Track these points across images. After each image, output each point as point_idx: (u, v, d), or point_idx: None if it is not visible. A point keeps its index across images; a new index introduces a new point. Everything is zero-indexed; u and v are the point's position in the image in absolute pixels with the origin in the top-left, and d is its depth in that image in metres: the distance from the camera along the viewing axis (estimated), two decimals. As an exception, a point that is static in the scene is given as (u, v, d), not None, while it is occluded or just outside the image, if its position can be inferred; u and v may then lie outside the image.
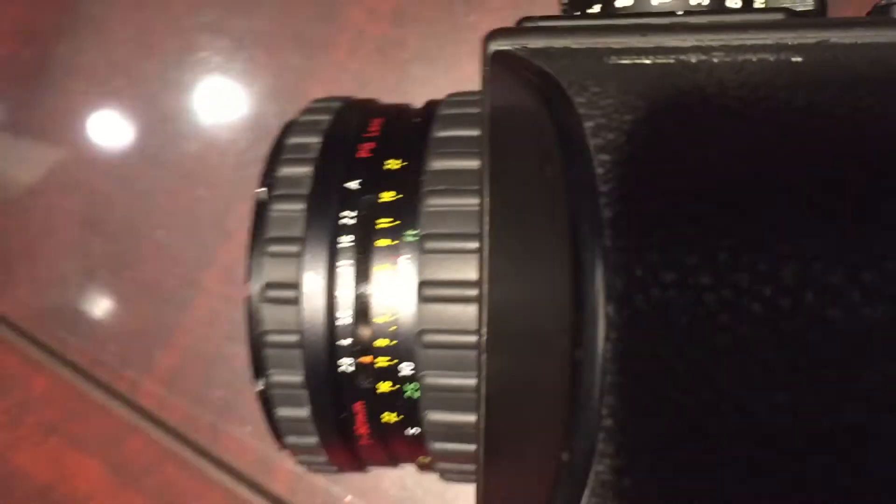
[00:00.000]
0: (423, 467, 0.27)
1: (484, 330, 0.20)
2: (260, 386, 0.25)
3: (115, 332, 0.42)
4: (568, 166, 0.15)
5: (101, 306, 0.42)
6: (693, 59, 0.17)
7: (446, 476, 0.27)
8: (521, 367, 0.18)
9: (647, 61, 0.17)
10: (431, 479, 0.38)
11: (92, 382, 0.42)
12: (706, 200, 0.14)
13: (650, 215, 0.14)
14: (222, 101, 0.42)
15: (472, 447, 0.25)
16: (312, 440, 0.26)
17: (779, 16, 0.21)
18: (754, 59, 0.17)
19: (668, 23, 0.20)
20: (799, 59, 0.17)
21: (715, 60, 0.17)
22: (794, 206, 0.13)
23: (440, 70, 0.40)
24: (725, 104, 0.15)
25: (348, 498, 0.39)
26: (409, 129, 0.26)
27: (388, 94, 0.40)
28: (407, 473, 0.38)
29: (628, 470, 0.14)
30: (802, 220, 0.13)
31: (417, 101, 0.40)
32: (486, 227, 0.20)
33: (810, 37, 0.17)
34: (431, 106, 0.27)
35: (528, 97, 0.17)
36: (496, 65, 0.20)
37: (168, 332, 0.41)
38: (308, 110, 0.28)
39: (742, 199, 0.14)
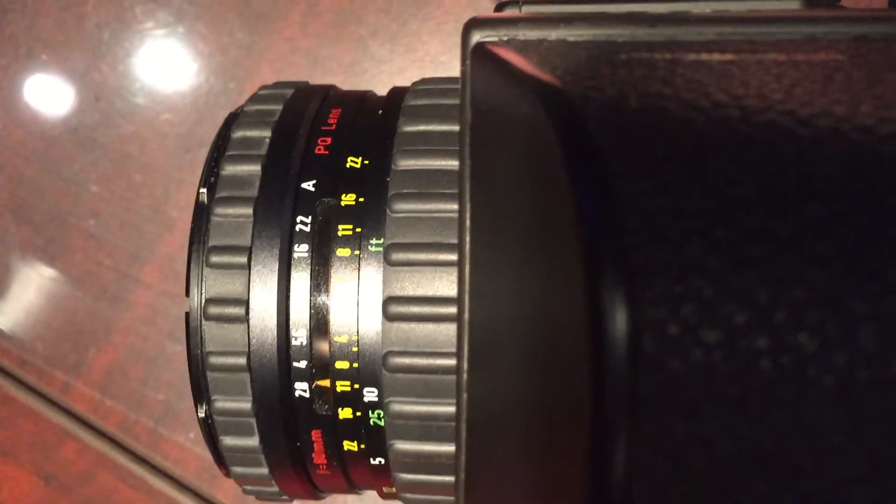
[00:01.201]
0: (388, 496, 0.25)
1: (465, 352, 0.17)
2: (202, 413, 0.22)
3: (44, 330, 0.38)
4: (581, 190, 0.12)
5: (27, 302, 0.39)
6: (717, 57, 0.14)
7: (412, 506, 0.24)
8: (516, 399, 0.15)
9: (665, 57, 0.15)
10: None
11: (19, 385, 0.39)
12: (757, 240, 0.11)
13: (687, 256, 0.11)
14: (161, 79, 0.38)
15: (442, 478, 0.22)
16: (262, 471, 0.23)
17: (804, 5, 0.18)
18: (791, 59, 0.14)
19: (676, 10, 0.17)
20: (842, 58, 0.14)
21: (747, 60, 0.14)
22: (876, 249, 0.11)
23: (401, 48, 0.36)
24: (771, 122, 0.12)
25: (301, 510, 0.36)
26: (372, 122, 0.23)
27: (344, 74, 0.37)
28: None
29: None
30: (887, 266, 0.11)
31: (376, 83, 0.37)
32: (468, 226, 0.17)
33: (846, 31, 0.15)
34: (396, 95, 0.24)
35: (523, 104, 0.14)
36: (478, 59, 0.17)
37: (103, 331, 0.38)
38: (256, 98, 0.25)
39: (803, 243, 0.11)
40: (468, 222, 0.17)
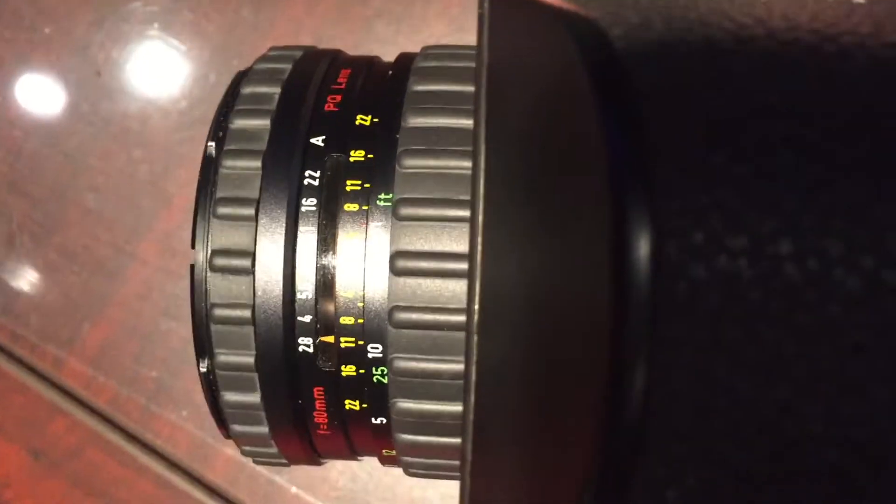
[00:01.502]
0: (387, 460, 0.24)
1: (476, 307, 0.17)
2: (203, 367, 0.22)
3: (38, 304, 0.38)
4: (607, 110, 0.12)
5: (22, 276, 0.39)
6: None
7: (411, 471, 0.24)
8: (526, 353, 0.15)
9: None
10: (384, 472, 0.35)
11: (11, 359, 0.39)
12: (784, 150, 0.11)
13: (712, 168, 0.11)
14: (164, 56, 0.38)
15: (444, 440, 0.22)
16: (262, 429, 0.23)
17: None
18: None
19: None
20: (861, 1, 0.14)
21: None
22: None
23: (406, 29, 0.37)
24: (796, 39, 0.12)
25: (293, 490, 0.36)
26: (382, 83, 0.23)
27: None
28: (358, 464, 0.35)
29: (678, 480, 0.11)
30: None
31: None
32: (481, 181, 0.17)
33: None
34: (405, 59, 0.24)
35: (546, 35, 0.14)
36: (496, 2, 0.17)
37: (97, 306, 0.38)
38: (265, 58, 0.25)
39: (830, 151, 0.11)
40: (482, 164, 0.17)
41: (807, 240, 0.11)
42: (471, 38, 0.38)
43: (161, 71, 0.38)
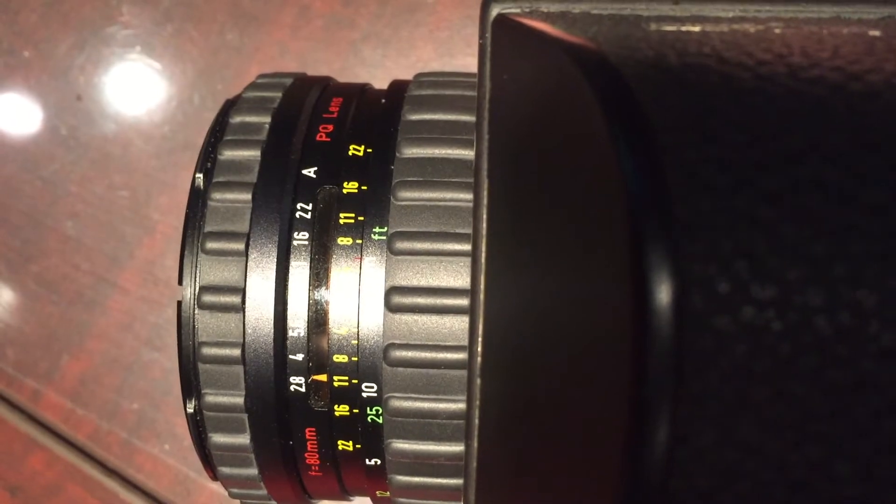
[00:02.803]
0: (381, 502, 0.24)
1: (478, 348, 0.16)
2: (190, 408, 0.21)
3: (16, 335, 0.37)
4: (622, 147, 0.11)
5: (-1, 306, 0.37)
6: (751, 29, 0.14)
7: (406, 512, 0.23)
8: (533, 401, 0.15)
9: (695, 28, 0.14)
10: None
11: (-14, 392, 0.37)
12: (811, 194, 0.11)
13: (736, 212, 0.11)
14: (146, 80, 0.38)
15: (441, 481, 0.22)
16: (251, 472, 0.22)
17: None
18: (825, 32, 0.14)
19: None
20: (877, 34, 0.14)
21: (777, 31, 0.14)
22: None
23: (393, 53, 0.36)
24: (820, 77, 0.12)
25: (280, 525, 0.35)
26: (375, 111, 0.23)
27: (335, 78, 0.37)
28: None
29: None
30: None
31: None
32: (484, 216, 0.17)
33: (874, 11, 0.15)
34: (399, 86, 0.24)
35: (553, 66, 0.14)
36: (499, 30, 0.16)
37: (77, 337, 0.37)
38: (254, 86, 0.24)
39: (860, 195, 0.10)
40: (485, 197, 0.16)
41: (838, 291, 0.10)
42: (459, 63, 0.37)
43: (142, 95, 0.38)
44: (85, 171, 0.37)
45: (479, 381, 0.16)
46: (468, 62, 0.35)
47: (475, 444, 0.17)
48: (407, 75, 0.36)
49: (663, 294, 0.11)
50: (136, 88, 0.38)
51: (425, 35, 0.36)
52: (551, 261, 0.15)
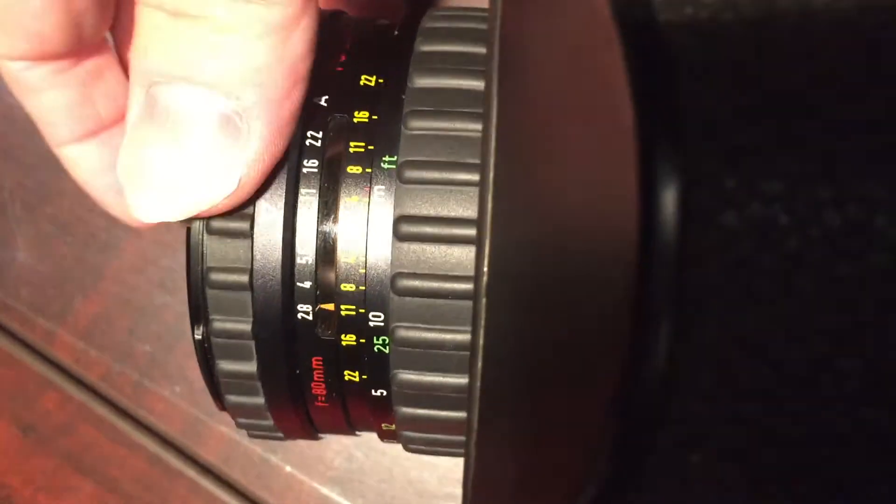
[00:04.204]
0: (386, 435, 0.24)
1: (484, 270, 0.16)
2: (198, 334, 0.22)
3: (29, 275, 0.37)
4: (633, 46, 0.11)
5: (13, 246, 0.38)
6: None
7: (411, 446, 0.24)
8: (537, 319, 0.15)
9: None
10: (380, 452, 0.35)
11: (1, 332, 0.38)
12: (823, 91, 0.11)
13: (745, 108, 0.11)
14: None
15: (447, 414, 0.22)
16: (258, 400, 0.22)
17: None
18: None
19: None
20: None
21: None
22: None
23: None
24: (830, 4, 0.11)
25: (288, 469, 0.35)
26: (387, 43, 0.23)
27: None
28: (355, 443, 0.35)
29: (703, 442, 0.11)
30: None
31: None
32: (492, 141, 0.16)
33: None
34: (411, 19, 0.24)
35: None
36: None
37: (90, 278, 0.37)
38: (267, 17, 0.24)
39: (874, 93, 0.10)
40: (494, 114, 0.16)
41: (847, 183, 0.10)
42: (476, 2, 0.37)
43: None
44: (100, 114, 0.37)
45: (484, 301, 0.16)
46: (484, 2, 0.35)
47: (479, 366, 0.17)
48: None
49: (669, 191, 0.11)
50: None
51: (443, -18, 0.35)
52: (558, 179, 0.14)
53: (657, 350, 0.11)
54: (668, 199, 0.11)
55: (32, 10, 0.20)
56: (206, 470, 0.36)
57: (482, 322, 0.17)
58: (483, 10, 0.24)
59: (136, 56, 0.20)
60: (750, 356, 0.10)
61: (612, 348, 0.12)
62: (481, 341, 0.17)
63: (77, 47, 0.22)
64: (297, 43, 0.19)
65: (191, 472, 0.36)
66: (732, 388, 0.11)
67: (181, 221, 0.21)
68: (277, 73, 0.19)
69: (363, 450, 0.35)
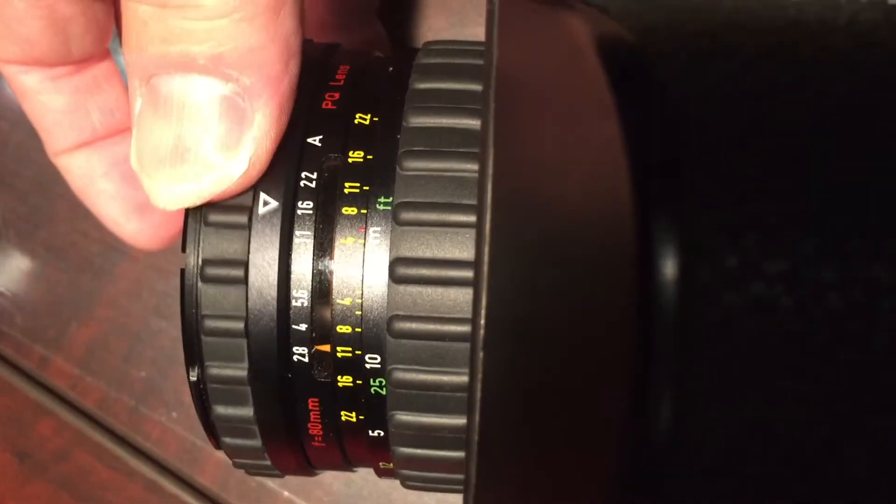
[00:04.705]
0: (384, 473, 0.24)
1: (482, 321, 0.16)
2: (193, 376, 0.21)
3: (24, 301, 0.37)
4: (629, 107, 0.11)
5: (7, 272, 0.37)
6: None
7: (409, 484, 0.23)
8: (534, 367, 0.14)
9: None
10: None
11: (-5, 358, 0.38)
12: (827, 163, 0.10)
13: (747, 180, 0.10)
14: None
15: (445, 454, 0.21)
16: (255, 443, 0.22)
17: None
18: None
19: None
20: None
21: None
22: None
23: (404, 22, 0.36)
24: (832, 45, 0.11)
25: (286, 494, 0.35)
26: (382, 80, 0.22)
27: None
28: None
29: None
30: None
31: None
32: (489, 186, 0.16)
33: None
34: (406, 54, 0.23)
35: (565, 35, 0.13)
36: (507, -4, 0.16)
37: (85, 304, 0.37)
38: (260, 51, 0.24)
39: (879, 165, 0.10)
40: (490, 166, 0.16)
41: (852, 265, 0.10)
42: (470, 32, 0.37)
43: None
44: (93, 138, 0.37)
45: (481, 353, 0.16)
46: (480, 32, 0.34)
47: (477, 417, 0.17)
48: (417, 45, 0.36)
49: (669, 266, 0.11)
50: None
51: (437, 4, 0.35)
52: (556, 229, 0.14)
53: (658, 426, 0.11)
54: (669, 274, 0.11)
55: (17, 14, 0.21)
56: (204, 495, 0.36)
57: (479, 375, 0.16)
58: (479, 43, 0.23)
59: (130, 53, 0.20)
60: (752, 437, 0.10)
61: (611, 422, 0.12)
62: (479, 395, 0.17)
63: (67, 54, 0.23)
64: (287, 19, 0.19)
65: (188, 498, 0.36)
66: (737, 472, 0.10)
67: (195, 218, 0.21)
68: (272, 52, 0.19)
69: (361, 473, 0.35)
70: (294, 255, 0.21)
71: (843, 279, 0.10)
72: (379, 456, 0.22)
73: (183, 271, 0.21)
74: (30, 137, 0.37)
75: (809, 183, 0.10)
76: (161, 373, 0.36)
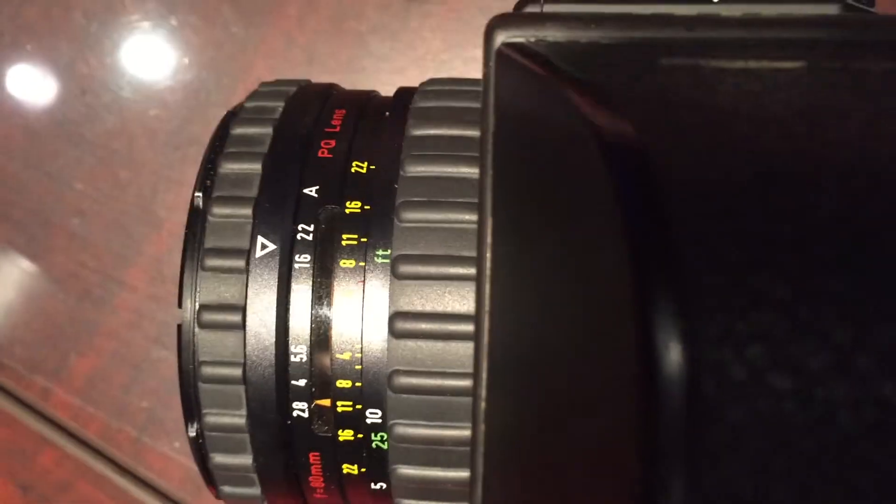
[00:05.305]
0: (387, 522, 0.23)
1: (483, 375, 0.16)
2: (192, 431, 0.21)
3: (23, 333, 0.37)
4: (631, 210, 0.11)
5: (6, 304, 0.37)
6: (767, 65, 0.13)
7: (413, 532, 0.23)
8: (536, 427, 0.14)
9: (711, 63, 0.13)
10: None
11: (-4, 390, 0.37)
12: (836, 273, 0.10)
13: (753, 289, 0.10)
14: (150, 73, 0.37)
15: (448, 506, 0.21)
16: (254, 491, 0.22)
17: (842, 10, 0.17)
18: (847, 67, 0.13)
19: (708, 13, 0.16)
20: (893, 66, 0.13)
21: (800, 69, 0.13)
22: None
23: (402, 46, 0.35)
24: (848, 140, 0.11)
25: (290, 525, 0.34)
26: (378, 125, 0.22)
27: (343, 72, 0.36)
28: None
29: None
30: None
31: (375, 81, 0.35)
32: (487, 255, 0.16)
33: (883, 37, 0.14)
34: (403, 96, 0.23)
35: (557, 110, 0.13)
36: (503, 61, 0.16)
37: (85, 335, 0.37)
38: (256, 95, 0.23)
39: (891, 271, 0.10)
40: (489, 237, 0.16)
41: (865, 383, 0.09)
42: (469, 54, 0.36)
43: (147, 89, 0.37)
44: (90, 168, 0.37)
45: (483, 405, 0.16)
46: (477, 54, 0.34)
47: (480, 476, 0.16)
48: (416, 68, 0.36)
49: (673, 375, 0.10)
50: (140, 82, 0.37)
51: (434, 26, 0.35)
52: (556, 311, 0.14)
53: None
54: (673, 386, 0.10)
55: None
56: (208, 525, 0.36)
57: (481, 436, 0.16)
58: (477, 82, 0.23)
59: None
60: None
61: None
62: (481, 449, 0.16)
63: None
64: None
65: (192, 528, 0.36)
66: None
67: None
68: None
69: None
70: (292, 309, 0.20)
71: (854, 398, 0.10)
72: (382, 506, 0.22)
73: (180, 326, 0.21)
74: (25, 167, 0.37)
75: (818, 293, 0.10)
76: (163, 403, 0.36)
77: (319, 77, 0.28)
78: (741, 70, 0.13)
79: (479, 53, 0.36)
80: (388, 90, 0.25)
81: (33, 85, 0.37)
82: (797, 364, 0.10)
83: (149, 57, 0.37)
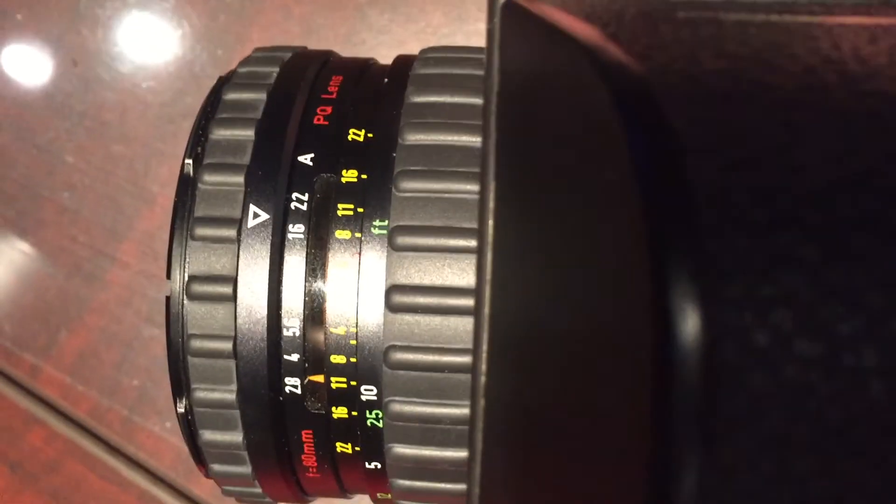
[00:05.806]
0: (381, 503, 0.23)
1: (484, 347, 0.15)
2: (181, 408, 0.20)
3: (12, 309, 0.36)
4: (644, 166, 0.10)
5: (-5, 279, 0.36)
6: (791, 19, 0.12)
7: (408, 513, 0.22)
8: (538, 404, 0.14)
9: (731, 17, 0.13)
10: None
11: (-16, 367, 0.37)
12: (867, 232, 0.09)
13: (777, 249, 0.09)
14: (143, 44, 0.36)
15: (444, 486, 0.20)
16: (245, 469, 0.21)
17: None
18: (879, 24, 0.12)
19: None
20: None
21: (828, 23, 0.12)
22: None
23: (401, 18, 0.34)
24: (880, 90, 0.10)
25: (282, 506, 0.34)
26: (377, 92, 0.21)
27: (341, 45, 0.35)
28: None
29: None
30: None
31: (375, 54, 0.35)
32: (490, 221, 0.15)
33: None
34: (403, 63, 0.22)
35: (567, 66, 0.12)
36: (509, 16, 0.15)
37: (75, 311, 0.36)
38: (250, 60, 0.22)
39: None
40: (491, 202, 0.15)
41: (897, 350, 0.09)
42: (470, 28, 0.35)
43: (140, 61, 0.36)
44: (81, 141, 0.36)
45: (483, 379, 0.15)
46: (480, 28, 0.33)
47: (479, 453, 0.16)
48: (415, 41, 0.35)
49: (691, 342, 0.10)
50: (134, 54, 0.36)
51: (435, -1, 0.34)
52: (563, 278, 0.13)
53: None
54: (691, 352, 0.10)
55: None
56: (199, 506, 0.35)
57: (481, 412, 0.15)
58: (479, 49, 0.22)
59: None
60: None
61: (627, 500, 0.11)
62: (480, 429, 0.16)
63: None
64: None
65: (183, 509, 0.35)
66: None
67: None
68: None
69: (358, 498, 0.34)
70: (285, 281, 0.19)
71: (886, 365, 0.09)
72: (376, 486, 0.22)
73: (168, 298, 0.20)
74: (15, 140, 0.36)
75: (848, 254, 0.09)
76: (154, 381, 0.35)
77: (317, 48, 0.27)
78: (763, 23, 0.12)
79: (481, 27, 0.35)
80: (388, 62, 0.24)
81: (23, 55, 0.37)
82: (825, 329, 0.09)
83: (142, 27, 0.36)
